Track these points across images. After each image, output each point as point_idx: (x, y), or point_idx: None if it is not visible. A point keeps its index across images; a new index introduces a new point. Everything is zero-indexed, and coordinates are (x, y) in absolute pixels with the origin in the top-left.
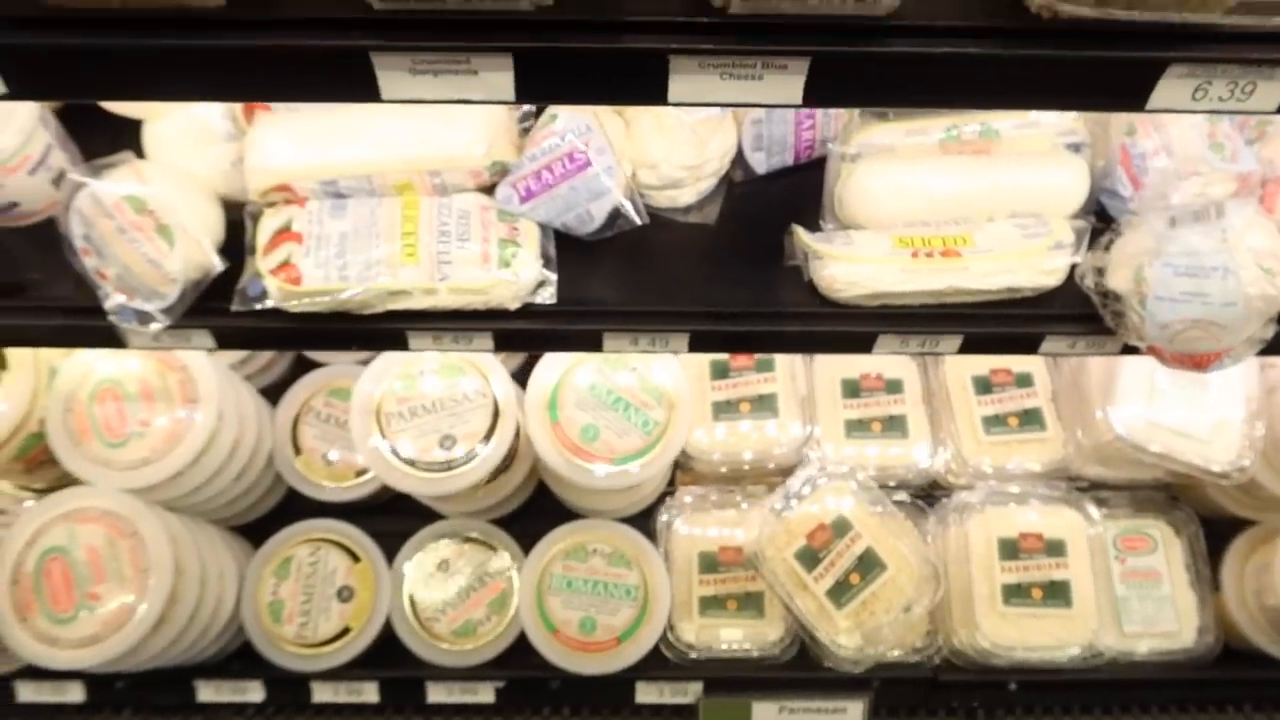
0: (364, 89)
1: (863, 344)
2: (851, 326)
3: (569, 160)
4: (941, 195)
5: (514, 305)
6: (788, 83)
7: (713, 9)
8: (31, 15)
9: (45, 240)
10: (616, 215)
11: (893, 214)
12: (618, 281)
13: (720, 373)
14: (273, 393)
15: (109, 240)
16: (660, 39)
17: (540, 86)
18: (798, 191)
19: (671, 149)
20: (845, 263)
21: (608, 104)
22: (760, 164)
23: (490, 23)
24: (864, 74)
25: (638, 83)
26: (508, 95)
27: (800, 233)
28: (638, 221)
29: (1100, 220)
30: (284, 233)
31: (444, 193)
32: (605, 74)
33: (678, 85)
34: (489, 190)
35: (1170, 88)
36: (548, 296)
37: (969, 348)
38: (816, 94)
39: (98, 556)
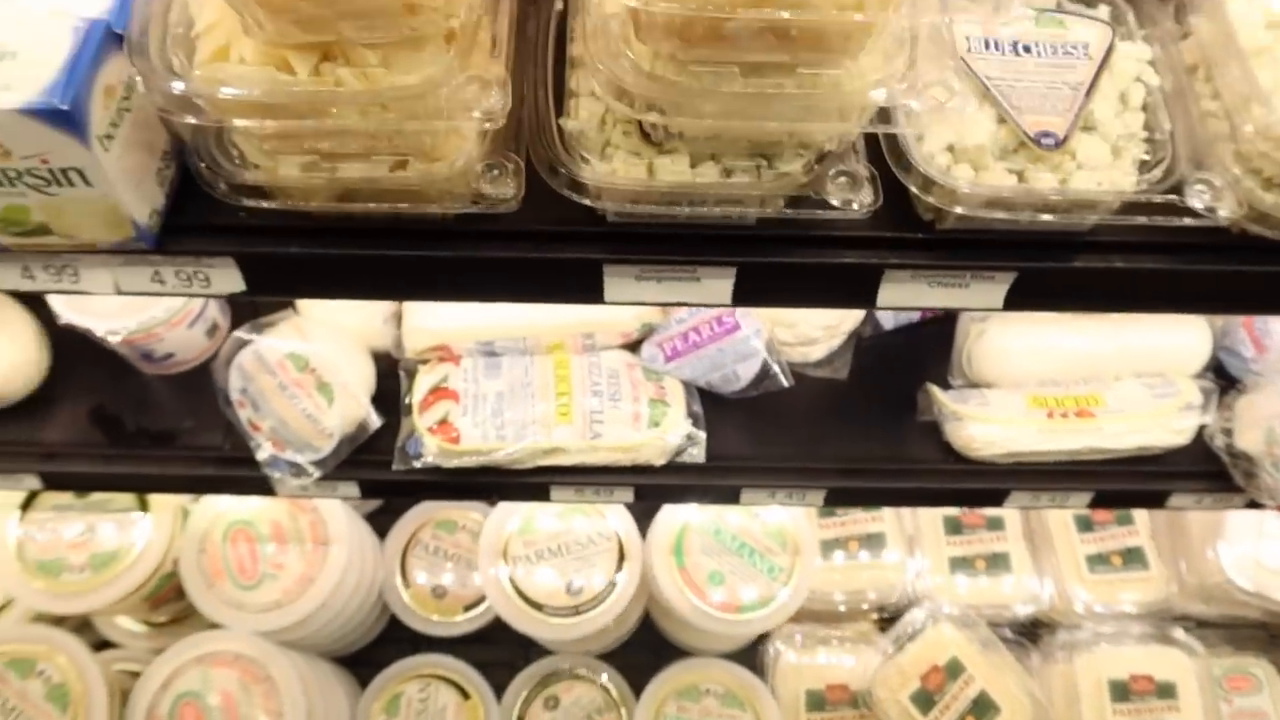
0: (590, 293)
1: (994, 499)
2: (985, 484)
3: (718, 323)
4: (1071, 355)
5: (660, 462)
6: (991, 290)
7: (923, 223)
8: (274, 224)
9: (195, 387)
10: (764, 376)
11: (1023, 373)
12: (753, 435)
13: (828, 510)
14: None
15: (268, 395)
16: (878, 254)
17: (756, 292)
18: (923, 346)
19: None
20: (983, 423)
21: (817, 307)
22: (888, 320)
23: (717, 236)
24: (1063, 284)
25: (850, 290)
26: (724, 299)
27: (936, 393)
28: (785, 383)
29: (1220, 378)
30: (440, 390)
31: (593, 350)
32: (821, 282)
33: (887, 292)
34: (634, 346)
35: None
36: (696, 455)
37: (1098, 503)
38: (1017, 300)
39: (232, 701)
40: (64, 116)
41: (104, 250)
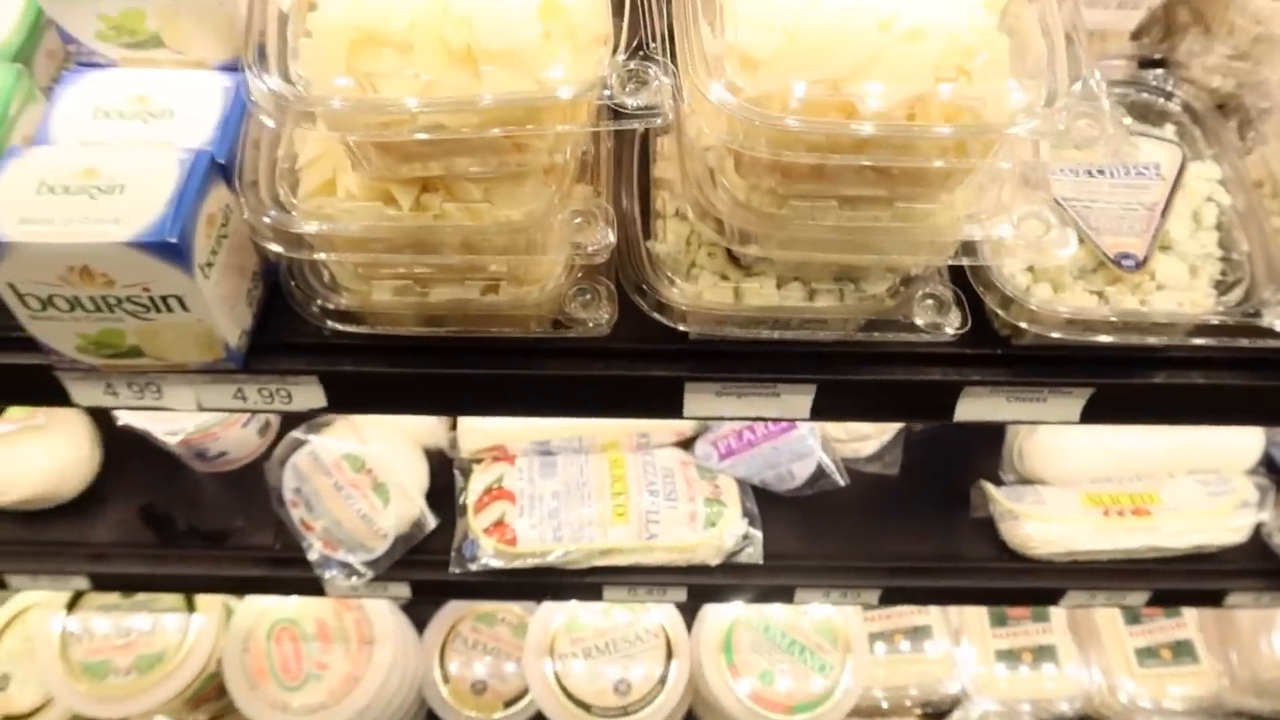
0: (669, 409)
1: (1051, 599)
2: (1042, 583)
3: (772, 422)
4: (1124, 452)
5: (715, 562)
6: (1069, 404)
7: (1000, 338)
8: (358, 341)
9: (246, 484)
10: (819, 475)
11: (1076, 469)
12: (806, 533)
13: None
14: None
15: (323, 495)
16: (958, 371)
17: (835, 408)
18: (973, 441)
19: None
20: (1040, 521)
21: (894, 421)
22: None
23: (798, 352)
24: (1141, 399)
25: (928, 405)
26: (803, 414)
27: (991, 490)
28: (840, 483)
29: (1272, 473)
30: (496, 490)
31: (647, 449)
32: (899, 398)
33: (965, 407)
34: (687, 443)
35: None
36: (752, 555)
37: (1155, 602)
38: (1094, 414)
39: None
40: (172, 249)
41: (191, 370)
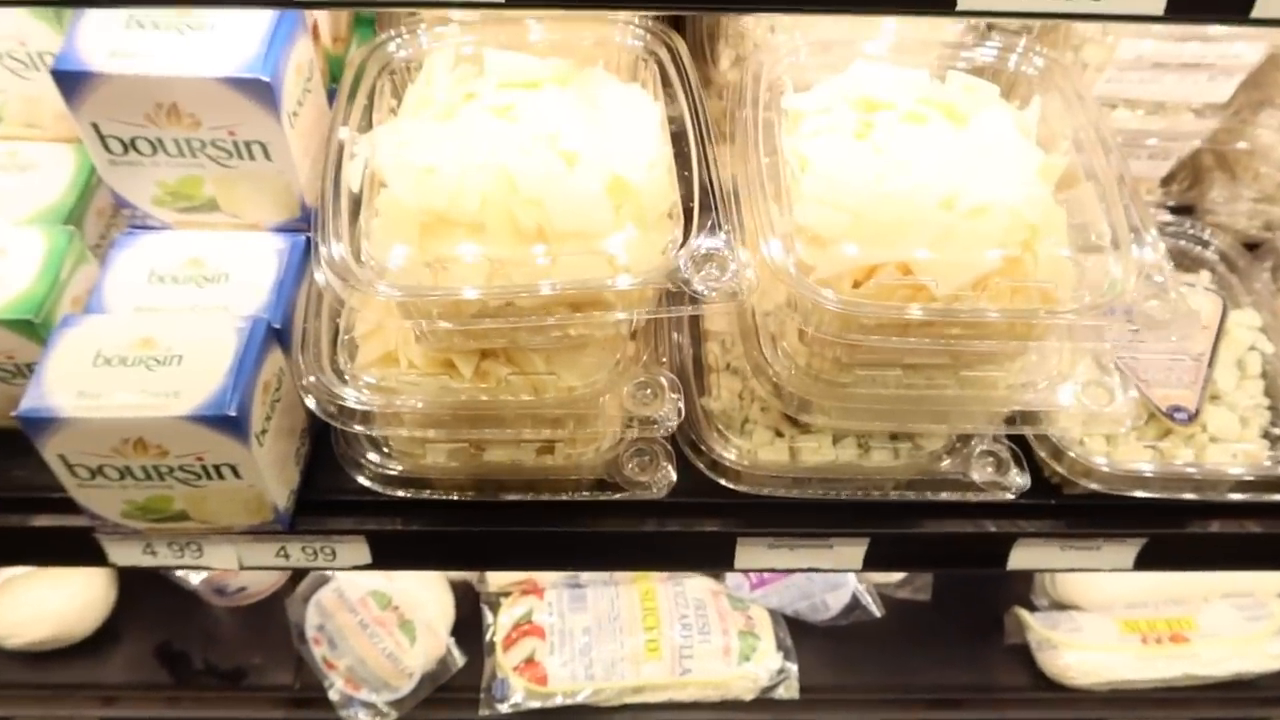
0: (721, 563)
1: None
2: (1082, 713)
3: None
4: (1159, 577)
5: (749, 697)
6: (1123, 552)
7: (1051, 486)
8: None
9: (264, 619)
10: (854, 606)
11: (1110, 594)
12: (840, 664)
13: None
14: None
15: (347, 633)
16: (1012, 523)
17: (888, 558)
18: None
19: None
20: (1079, 650)
21: (947, 570)
22: None
23: (851, 504)
24: (1196, 547)
25: (982, 556)
26: (856, 565)
27: (1026, 617)
28: (876, 614)
29: None
30: (525, 626)
31: (677, 579)
32: (952, 550)
33: (1019, 556)
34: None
35: None
36: (788, 690)
37: None
38: (1147, 561)
39: None
40: (231, 422)
41: (236, 532)
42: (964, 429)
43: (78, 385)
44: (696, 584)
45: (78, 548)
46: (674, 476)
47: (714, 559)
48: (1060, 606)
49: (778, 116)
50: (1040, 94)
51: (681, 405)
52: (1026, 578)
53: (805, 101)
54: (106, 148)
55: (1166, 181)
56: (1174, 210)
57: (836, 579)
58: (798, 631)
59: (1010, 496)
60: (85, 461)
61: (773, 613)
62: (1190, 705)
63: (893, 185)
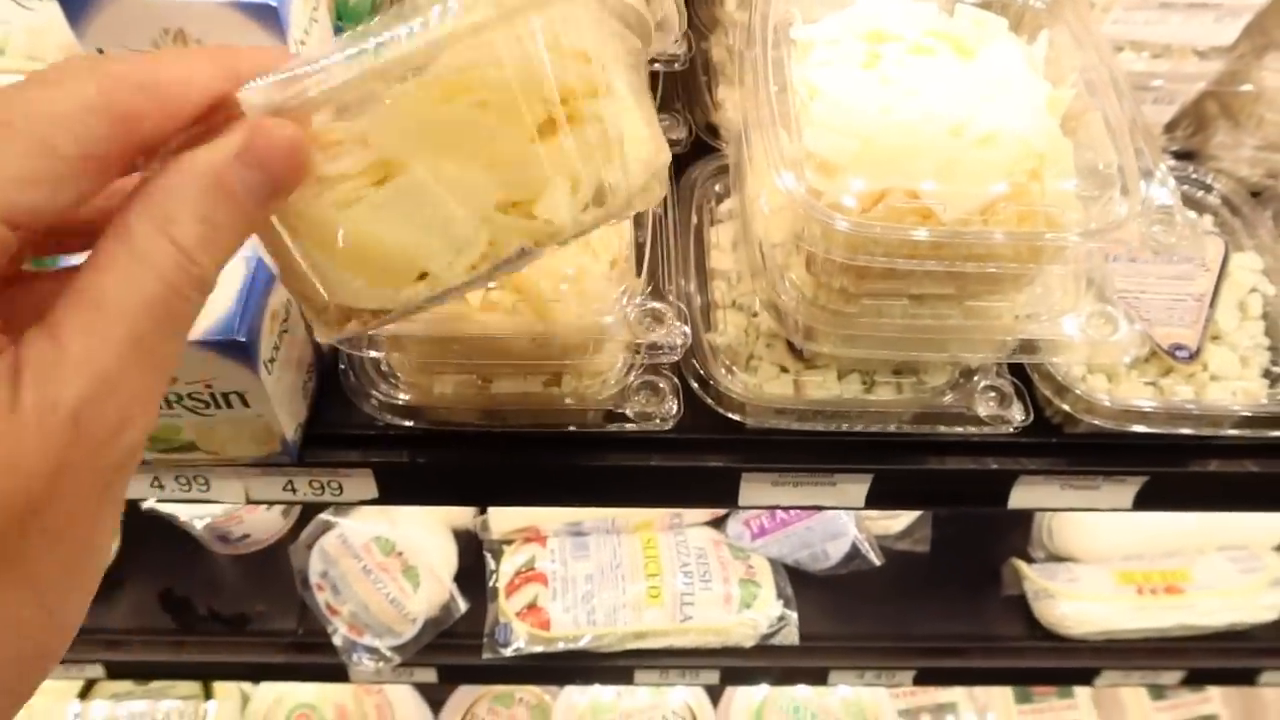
0: (725, 499)
1: (1086, 678)
2: (1078, 662)
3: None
4: (1154, 529)
5: (750, 644)
6: (1122, 492)
7: (1053, 426)
8: (413, 432)
9: (267, 567)
10: (854, 555)
11: (1106, 547)
12: (839, 613)
13: None
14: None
15: (350, 579)
16: (1014, 461)
17: (890, 496)
18: (1002, 517)
19: None
20: (1075, 600)
21: (948, 508)
22: None
23: (854, 443)
24: (1194, 487)
25: (983, 493)
26: (858, 503)
27: (1024, 568)
28: (875, 562)
29: None
30: (527, 573)
31: (679, 528)
32: (954, 487)
33: (1019, 495)
34: (719, 521)
35: None
36: (788, 637)
37: (1190, 681)
38: (1146, 501)
39: None
40: (239, 347)
41: (242, 464)
42: (967, 359)
43: None
44: (698, 533)
45: None
46: (680, 408)
47: (718, 495)
48: (1057, 559)
49: (787, 51)
50: (1048, 28)
51: (688, 331)
52: (1024, 531)
53: (814, 32)
54: None
55: (1170, 128)
56: (1176, 156)
57: (836, 528)
58: (798, 581)
59: (1011, 429)
60: None
61: (773, 562)
62: (1184, 655)
63: (901, 114)
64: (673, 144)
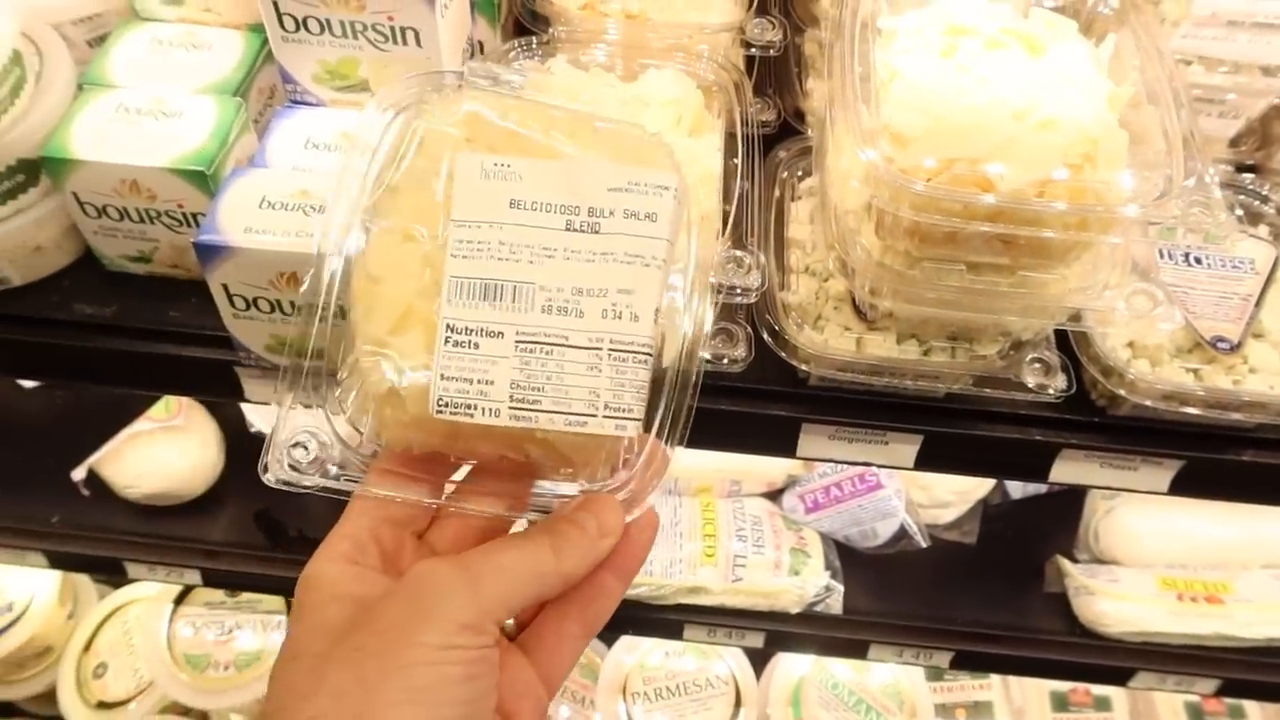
0: (784, 448)
1: (1121, 678)
2: (1113, 661)
3: (860, 480)
4: (1200, 541)
5: (795, 610)
6: (1159, 475)
7: (1096, 408)
8: None
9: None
10: (902, 535)
11: (1151, 554)
12: (884, 591)
13: (936, 674)
14: None
15: None
16: (1058, 434)
17: (937, 458)
18: (1048, 518)
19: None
20: (1115, 600)
21: (989, 476)
22: (1016, 490)
23: (907, 405)
24: (1229, 475)
25: (1025, 463)
26: (907, 463)
27: (1067, 565)
28: (922, 544)
29: None
30: None
31: (737, 496)
32: (1000, 454)
33: (1060, 469)
34: (774, 495)
35: None
36: (832, 606)
37: (1224, 691)
38: (1181, 486)
39: None
40: None
41: None
42: (1016, 324)
43: (245, 222)
44: (755, 503)
45: (220, 380)
46: (751, 354)
47: (778, 444)
48: (1101, 563)
49: (872, 41)
50: (1115, 34)
51: (763, 276)
52: (1070, 533)
53: (898, 23)
54: (282, 24)
55: (1235, 142)
56: (1240, 169)
57: (887, 508)
58: (846, 556)
59: (1053, 395)
60: (244, 292)
61: (823, 536)
62: (1220, 665)
63: (971, 97)
64: (763, 125)
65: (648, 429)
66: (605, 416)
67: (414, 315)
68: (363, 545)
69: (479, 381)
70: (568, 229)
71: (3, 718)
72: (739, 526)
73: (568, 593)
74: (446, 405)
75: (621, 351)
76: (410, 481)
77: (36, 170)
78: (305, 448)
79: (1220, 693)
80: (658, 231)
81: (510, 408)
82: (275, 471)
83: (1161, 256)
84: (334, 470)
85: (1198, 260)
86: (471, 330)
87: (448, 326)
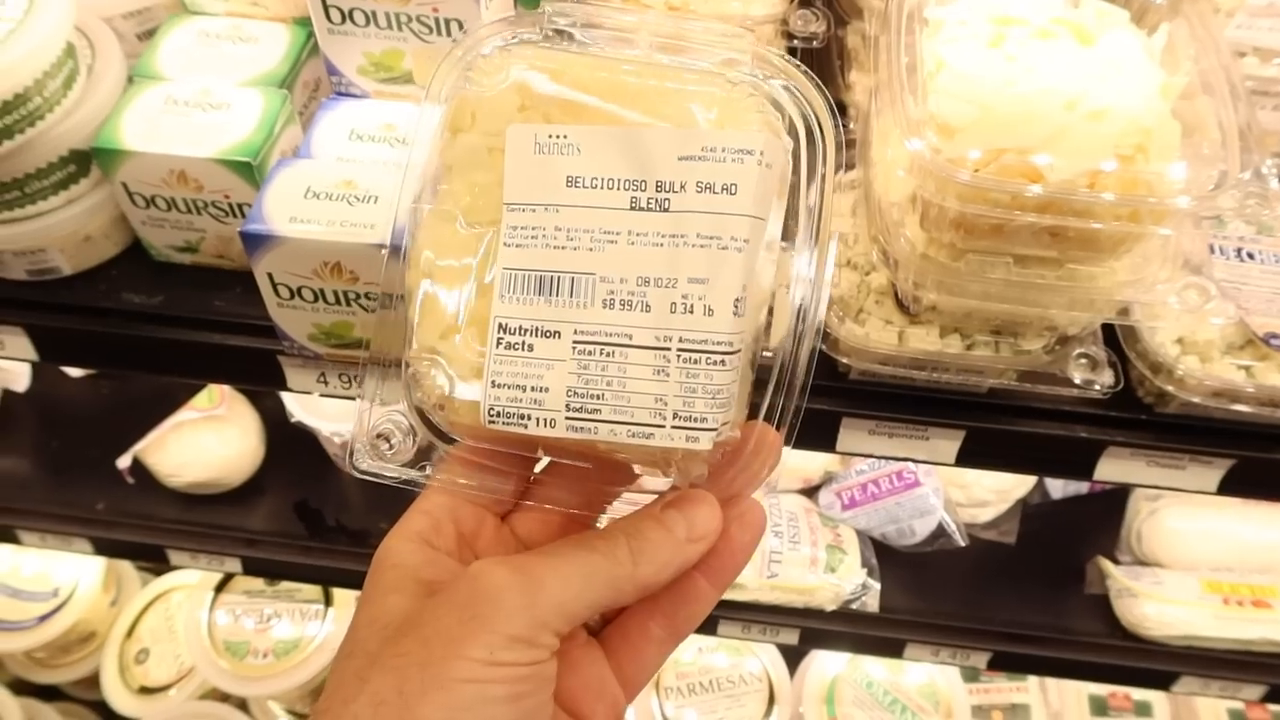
0: (824, 442)
1: (1163, 682)
2: (1155, 664)
3: (898, 478)
4: (1245, 544)
5: (831, 607)
6: (1207, 474)
7: (1143, 405)
8: None
9: (391, 490)
10: (940, 534)
11: (1194, 556)
12: (921, 590)
13: (972, 675)
14: None
15: None
16: (1103, 431)
17: (979, 455)
18: (1089, 519)
19: (984, 472)
20: (1158, 602)
21: (1032, 474)
22: (1056, 489)
23: (949, 400)
24: (1278, 475)
25: (1070, 460)
26: (949, 459)
27: (1109, 567)
28: (961, 542)
29: None
30: None
31: (773, 493)
32: (1043, 451)
33: (1105, 466)
34: (810, 491)
35: None
36: (868, 605)
37: (1270, 698)
38: (1230, 486)
39: None
40: None
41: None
42: (1063, 319)
43: (290, 211)
44: (791, 500)
45: (263, 369)
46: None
47: (818, 438)
48: (1144, 565)
49: (918, 32)
50: (1168, 23)
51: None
52: (1112, 535)
53: (945, 13)
54: (328, 16)
55: None
56: None
57: (925, 506)
58: (882, 554)
59: (1099, 391)
60: (288, 281)
61: (860, 533)
62: (1266, 671)
63: (1019, 87)
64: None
65: (754, 415)
66: (674, 427)
67: (466, 314)
68: (439, 524)
69: (533, 389)
70: (632, 208)
71: (47, 701)
72: (775, 522)
73: (655, 593)
74: (499, 416)
75: (693, 351)
76: (489, 472)
77: (88, 161)
78: (389, 440)
79: (1267, 699)
80: (739, 207)
81: (567, 418)
82: (361, 462)
83: (1213, 252)
84: (415, 459)
85: (1250, 256)
86: (525, 330)
87: (500, 326)
